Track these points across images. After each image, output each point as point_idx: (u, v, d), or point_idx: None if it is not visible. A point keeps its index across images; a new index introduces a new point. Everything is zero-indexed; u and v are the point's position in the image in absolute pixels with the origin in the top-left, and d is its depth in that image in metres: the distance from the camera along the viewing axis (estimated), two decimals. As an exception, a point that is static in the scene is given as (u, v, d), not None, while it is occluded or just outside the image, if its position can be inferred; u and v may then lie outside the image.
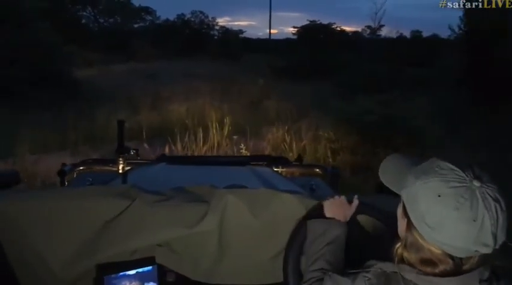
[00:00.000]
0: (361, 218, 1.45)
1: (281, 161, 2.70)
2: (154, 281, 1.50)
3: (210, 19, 36.42)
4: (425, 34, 28.25)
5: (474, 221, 0.84)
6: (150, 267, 1.49)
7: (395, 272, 0.94)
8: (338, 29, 30.23)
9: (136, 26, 34.80)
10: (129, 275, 1.46)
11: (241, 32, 34.98)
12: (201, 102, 10.69)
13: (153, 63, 22.23)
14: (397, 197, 1.03)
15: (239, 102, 11.33)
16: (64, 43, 15.51)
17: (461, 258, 0.89)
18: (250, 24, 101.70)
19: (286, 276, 1.33)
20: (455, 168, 0.90)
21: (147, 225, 1.42)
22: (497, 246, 0.86)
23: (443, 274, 0.90)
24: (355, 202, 1.37)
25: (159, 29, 34.27)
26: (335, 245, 1.27)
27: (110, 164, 2.46)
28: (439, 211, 0.87)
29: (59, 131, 7.61)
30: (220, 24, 36.82)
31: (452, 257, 0.89)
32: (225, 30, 35.51)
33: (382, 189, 1.15)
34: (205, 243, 1.46)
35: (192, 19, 36.42)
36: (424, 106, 10.46)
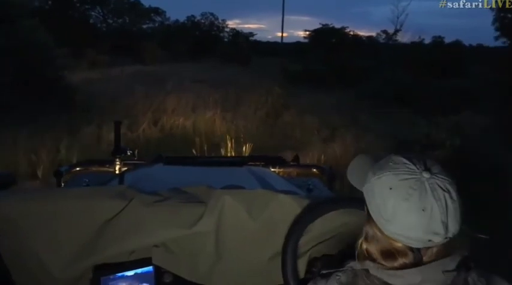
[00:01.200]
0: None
1: (278, 161, 2.69)
2: (151, 282, 1.49)
3: (220, 21, 36.36)
4: (447, 40, 26.74)
5: (423, 210, 0.87)
6: (147, 268, 1.48)
7: (364, 269, 0.96)
8: (351, 33, 29.09)
9: (145, 26, 34.51)
10: (125, 276, 1.45)
11: (251, 34, 34.93)
12: (210, 115, 9.21)
13: (161, 65, 21.42)
14: None
15: (254, 115, 9.82)
16: (65, 44, 14.05)
17: (419, 250, 0.91)
18: (260, 27, 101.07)
19: (286, 277, 1.31)
20: (407, 162, 0.93)
21: (143, 226, 1.41)
22: (450, 235, 0.87)
23: (404, 267, 0.91)
24: None
25: (168, 30, 34.16)
26: None
27: (107, 165, 2.44)
28: (391, 203, 0.90)
29: (34, 152, 6.12)
30: (230, 26, 36.77)
31: (411, 249, 0.91)
32: (235, 33, 35.31)
33: None
34: (203, 244, 1.44)
35: (202, 21, 36.23)
36: (487, 127, 8.84)
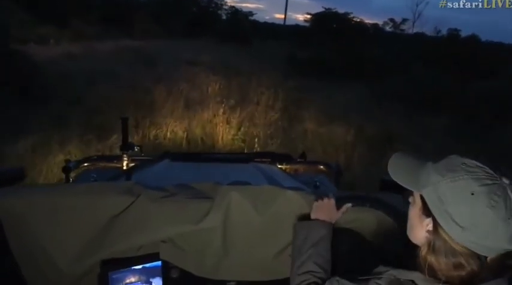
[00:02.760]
0: (357, 222, 1.45)
1: (285, 158, 2.66)
2: (159, 277, 1.50)
3: None
4: (463, 34, 24.85)
5: (509, 219, 0.82)
6: (154, 263, 1.48)
7: (411, 281, 0.91)
8: (356, 19, 27.32)
9: None
10: (133, 271, 1.45)
11: (251, 13, 32.61)
12: (209, 115, 7.06)
13: (154, 41, 18.89)
14: (400, 194, 1.03)
15: (265, 118, 7.67)
16: (47, 13, 11.55)
17: (486, 258, 0.86)
18: (258, 7, 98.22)
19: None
20: (483, 166, 0.87)
21: (151, 221, 1.42)
22: None
23: (471, 275, 0.86)
24: (344, 207, 1.35)
25: (164, 3, 31.76)
26: (320, 247, 1.24)
27: (114, 161, 2.44)
28: (473, 210, 0.84)
29: None
30: (228, 4, 34.54)
31: (479, 257, 0.86)
32: (234, 11, 33.05)
33: (386, 186, 1.27)
34: (209, 239, 1.45)
35: None
36: None
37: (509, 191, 0.83)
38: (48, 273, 1.41)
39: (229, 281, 1.54)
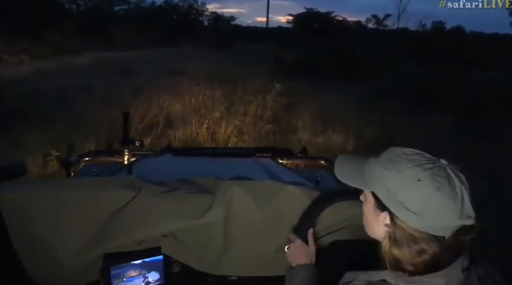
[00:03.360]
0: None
1: (286, 153, 2.66)
2: (160, 271, 1.50)
3: (200, 4, 34.01)
4: (447, 26, 24.70)
5: (456, 196, 0.86)
6: (156, 258, 1.48)
7: (382, 280, 0.92)
8: (339, 18, 27.57)
9: (117, 8, 31.76)
10: (135, 265, 1.45)
11: (232, 18, 33.11)
12: (193, 130, 6.38)
13: (135, 52, 18.41)
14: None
15: (253, 126, 6.98)
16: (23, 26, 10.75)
17: (444, 238, 0.88)
18: (239, 11, 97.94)
19: None
20: (421, 152, 0.92)
21: (152, 216, 1.42)
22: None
23: (434, 258, 0.88)
24: (310, 236, 1.35)
25: (144, 13, 31.59)
26: None
27: (115, 156, 2.43)
28: (422, 195, 0.87)
29: None
30: (210, 10, 34.59)
31: (437, 238, 0.88)
32: (216, 16, 33.44)
33: None
34: (211, 234, 1.45)
35: (181, 3, 33.69)
36: None
37: (449, 171, 0.88)
38: (50, 266, 1.40)
39: (231, 276, 1.53)
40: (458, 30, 23.89)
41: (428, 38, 20.65)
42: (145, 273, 1.48)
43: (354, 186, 1.01)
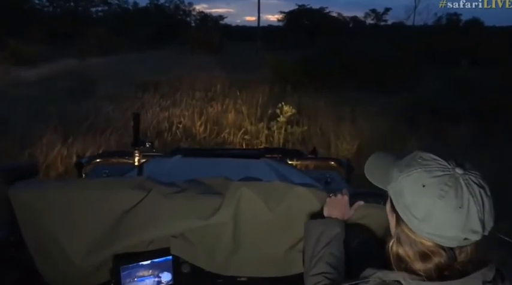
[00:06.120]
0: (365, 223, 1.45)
1: (296, 154, 2.65)
2: (169, 272, 1.51)
3: (186, 4, 32.72)
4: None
5: (460, 208, 0.83)
6: (165, 258, 1.49)
7: (396, 281, 0.91)
8: (333, 14, 26.15)
9: (95, 10, 29.94)
10: (144, 265, 1.46)
11: (221, 18, 31.67)
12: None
13: (109, 58, 16.37)
14: None
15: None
16: None
17: (452, 249, 0.87)
18: (228, 11, 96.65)
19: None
20: (437, 158, 0.89)
21: (162, 216, 1.42)
22: (485, 233, 0.84)
23: (444, 267, 0.87)
24: (356, 205, 1.36)
25: (125, 15, 29.66)
26: (333, 246, 1.24)
27: (126, 157, 2.44)
28: (425, 201, 0.86)
29: None
30: (197, 10, 33.66)
31: (443, 248, 0.87)
32: (204, 16, 31.66)
33: None
34: (220, 235, 1.46)
35: (167, 4, 32.19)
36: None
37: (461, 181, 0.84)
38: (62, 265, 1.42)
39: (240, 277, 1.53)
40: (475, 21, 21.51)
41: (459, 33, 17.78)
42: (155, 274, 1.48)
43: (374, 183, 1.02)
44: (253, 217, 1.43)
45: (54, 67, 13.68)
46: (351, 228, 1.37)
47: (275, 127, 5.92)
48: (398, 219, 0.91)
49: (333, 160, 2.63)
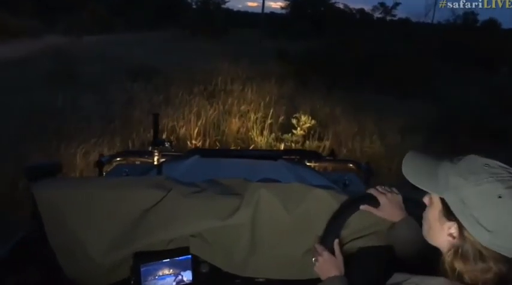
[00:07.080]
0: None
1: (314, 155, 2.63)
2: (189, 271, 1.50)
3: None
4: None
5: None
6: (185, 257, 1.49)
7: None
8: (339, 5, 25.60)
9: None
10: (164, 264, 1.47)
11: (223, 1, 29.30)
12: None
13: (101, 36, 15.42)
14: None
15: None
16: None
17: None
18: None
19: None
20: (505, 166, 0.86)
21: (181, 216, 1.43)
22: None
23: (498, 277, 0.83)
24: (336, 247, 1.32)
25: None
26: None
27: (146, 156, 2.47)
28: (500, 212, 0.81)
29: None
30: None
31: (507, 260, 0.83)
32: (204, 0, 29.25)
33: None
34: (238, 236, 1.45)
35: None
36: None
37: None
38: (82, 263, 1.43)
39: (257, 278, 1.51)
40: (491, 22, 20.49)
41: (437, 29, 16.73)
42: (175, 272, 1.48)
43: (423, 189, 0.95)
44: (272, 219, 1.42)
45: (38, 44, 12.22)
46: (361, 237, 1.39)
47: (290, 141, 4.93)
48: (461, 229, 0.86)
49: (351, 162, 2.62)
